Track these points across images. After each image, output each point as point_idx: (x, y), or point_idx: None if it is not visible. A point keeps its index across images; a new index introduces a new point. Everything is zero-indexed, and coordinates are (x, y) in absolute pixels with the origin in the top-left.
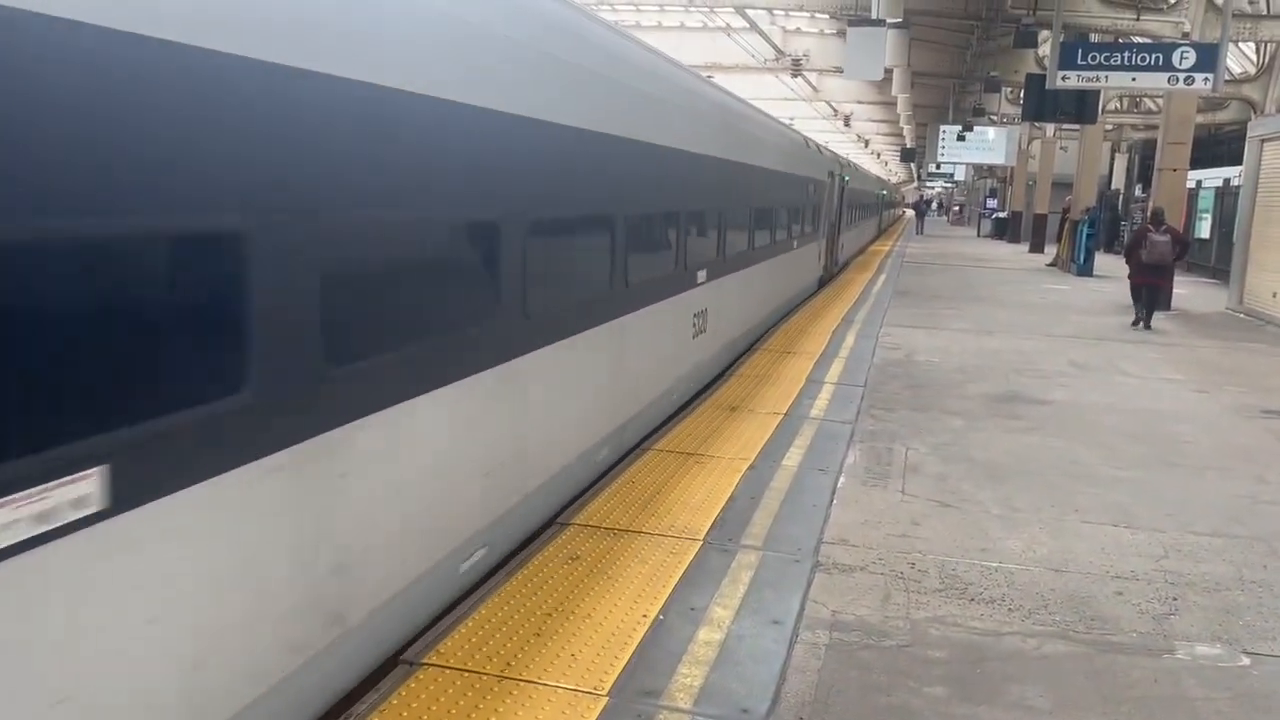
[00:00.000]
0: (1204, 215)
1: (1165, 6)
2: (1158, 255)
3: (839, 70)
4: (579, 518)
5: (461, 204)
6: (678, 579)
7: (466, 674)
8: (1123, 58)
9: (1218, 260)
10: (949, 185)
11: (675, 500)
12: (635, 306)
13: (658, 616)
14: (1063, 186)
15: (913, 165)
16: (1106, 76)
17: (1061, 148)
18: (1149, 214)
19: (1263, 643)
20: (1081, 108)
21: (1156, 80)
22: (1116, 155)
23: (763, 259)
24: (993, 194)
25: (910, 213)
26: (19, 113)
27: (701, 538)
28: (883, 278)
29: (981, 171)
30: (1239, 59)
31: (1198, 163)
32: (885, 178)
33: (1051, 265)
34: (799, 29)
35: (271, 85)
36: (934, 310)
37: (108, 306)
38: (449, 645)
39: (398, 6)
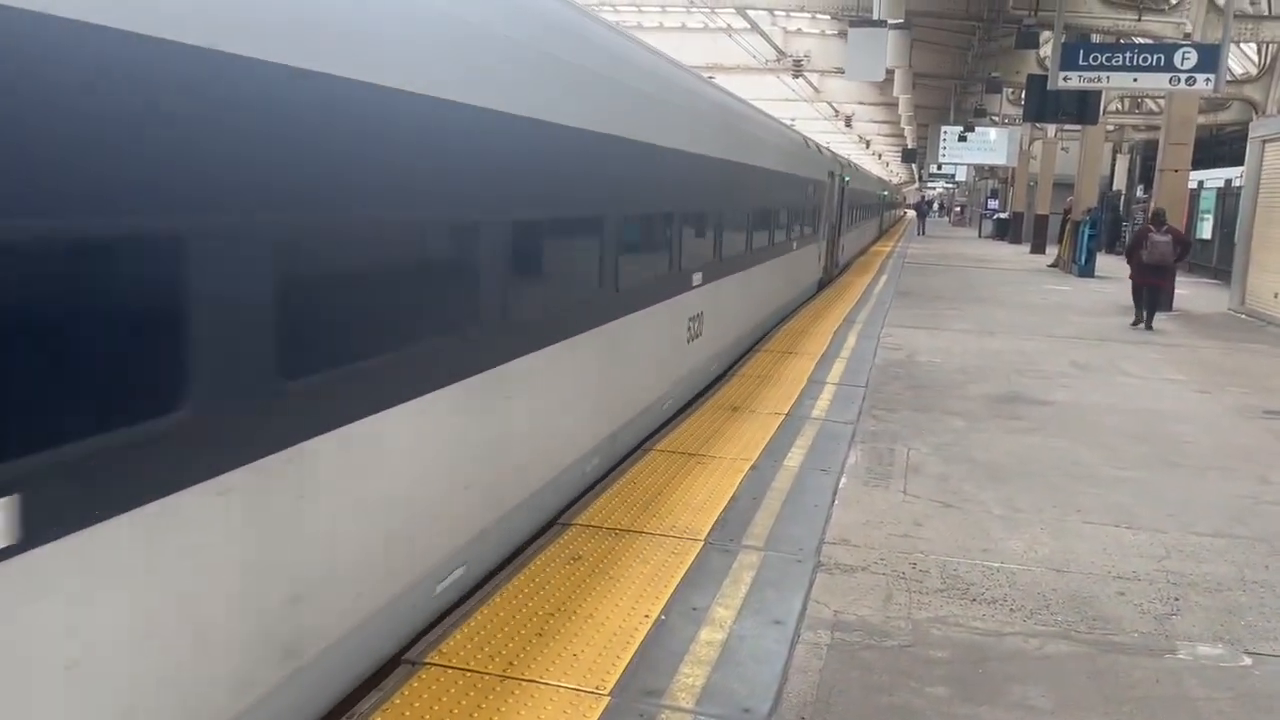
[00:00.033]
0: (1205, 216)
1: (1167, 7)
2: (1159, 256)
3: (840, 71)
4: (581, 518)
5: (458, 204)
6: (679, 579)
7: (469, 674)
8: (1124, 58)
9: (1219, 261)
10: (950, 186)
11: (677, 500)
12: (628, 310)
13: (659, 616)
14: (1064, 187)
15: (914, 166)
16: (1108, 77)
17: (1063, 148)
18: (1150, 214)
19: (1264, 643)
20: (1083, 108)
21: (1158, 81)
22: (1118, 156)
23: (761, 261)
24: (994, 195)
25: (911, 213)
26: None
27: (703, 538)
28: (884, 278)
29: (983, 172)
30: (1240, 60)
31: (1199, 163)
32: (886, 178)
33: (1053, 266)
34: (800, 30)
35: (270, 85)
36: (935, 311)
37: (18, 316)
38: (451, 645)
39: (398, 6)
